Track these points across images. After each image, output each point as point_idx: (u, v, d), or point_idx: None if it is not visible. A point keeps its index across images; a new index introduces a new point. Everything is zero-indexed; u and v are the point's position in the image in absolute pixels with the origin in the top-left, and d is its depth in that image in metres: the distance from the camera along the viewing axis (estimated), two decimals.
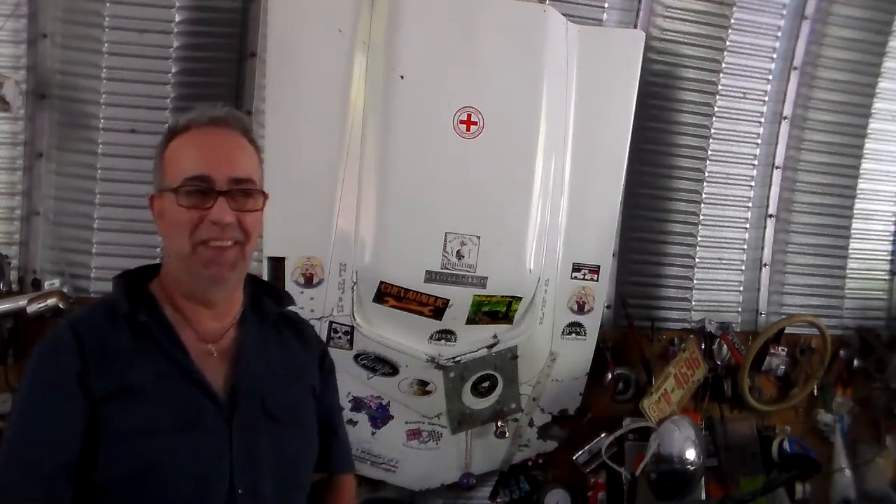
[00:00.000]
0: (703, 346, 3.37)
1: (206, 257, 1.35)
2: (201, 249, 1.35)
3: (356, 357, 2.74)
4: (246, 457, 1.34)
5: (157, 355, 1.34)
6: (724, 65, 3.45)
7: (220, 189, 1.34)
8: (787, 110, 3.59)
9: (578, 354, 3.07)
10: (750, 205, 3.61)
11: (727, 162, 3.55)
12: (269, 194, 1.44)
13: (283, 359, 1.52)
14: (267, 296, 1.53)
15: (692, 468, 2.69)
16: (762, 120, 3.56)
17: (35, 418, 1.26)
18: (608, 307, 3.37)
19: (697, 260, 3.56)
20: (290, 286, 2.67)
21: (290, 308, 1.63)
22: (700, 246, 3.55)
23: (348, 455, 1.70)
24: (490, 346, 2.77)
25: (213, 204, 1.34)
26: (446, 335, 2.72)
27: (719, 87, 3.47)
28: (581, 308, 3.00)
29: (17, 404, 1.30)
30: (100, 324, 1.35)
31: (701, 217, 3.53)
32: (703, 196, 3.53)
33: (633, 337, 3.34)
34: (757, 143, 3.58)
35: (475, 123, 2.60)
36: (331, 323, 2.70)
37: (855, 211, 3.73)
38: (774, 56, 3.52)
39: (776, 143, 3.60)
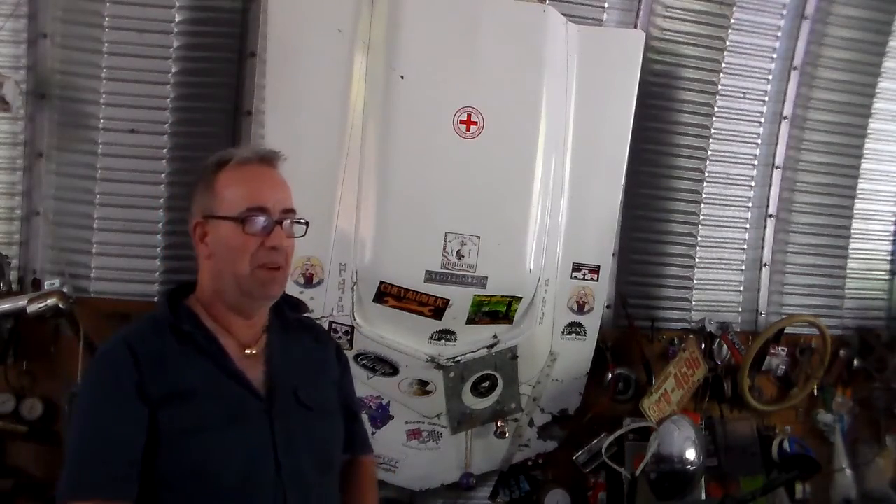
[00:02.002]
0: (703, 346, 3.37)
1: (264, 278, 1.54)
2: (259, 271, 1.53)
3: (356, 357, 2.74)
4: (286, 441, 1.52)
5: (203, 360, 1.51)
6: (724, 65, 3.46)
7: (276, 219, 1.55)
8: (787, 110, 3.59)
9: (578, 354, 3.07)
10: (750, 205, 3.61)
11: (727, 162, 3.55)
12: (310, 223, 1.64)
13: (306, 357, 1.71)
14: (286, 305, 1.72)
15: (692, 468, 2.68)
16: (762, 120, 3.56)
17: (102, 424, 1.41)
18: (608, 307, 3.37)
19: (697, 260, 3.56)
20: (290, 286, 2.66)
21: (306, 314, 1.83)
22: (700, 246, 3.55)
23: (367, 438, 1.91)
24: (490, 346, 2.77)
25: (272, 231, 1.54)
26: (446, 335, 2.72)
27: (719, 87, 3.47)
28: (581, 308, 3.00)
29: (81, 413, 1.45)
30: (148, 337, 1.50)
31: (701, 217, 3.53)
32: (703, 196, 3.53)
33: (633, 337, 3.34)
34: (757, 143, 3.58)
35: (475, 123, 2.60)
36: (331, 323, 2.70)
37: (855, 211, 3.72)
38: (774, 56, 3.52)
39: (776, 143, 3.61)
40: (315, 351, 1.76)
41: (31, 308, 2.62)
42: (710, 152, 3.51)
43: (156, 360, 1.46)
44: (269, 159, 1.62)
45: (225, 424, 1.46)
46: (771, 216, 3.64)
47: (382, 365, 2.75)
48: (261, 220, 1.53)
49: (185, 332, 1.51)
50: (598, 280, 3.00)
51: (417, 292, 2.59)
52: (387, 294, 2.60)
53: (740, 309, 3.64)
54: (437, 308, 2.63)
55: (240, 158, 1.59)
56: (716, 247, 3.58)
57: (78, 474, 1.38)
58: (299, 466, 1.53)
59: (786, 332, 3.50)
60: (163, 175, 2.97)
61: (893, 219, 3.82)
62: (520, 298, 2.74)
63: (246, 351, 1.58)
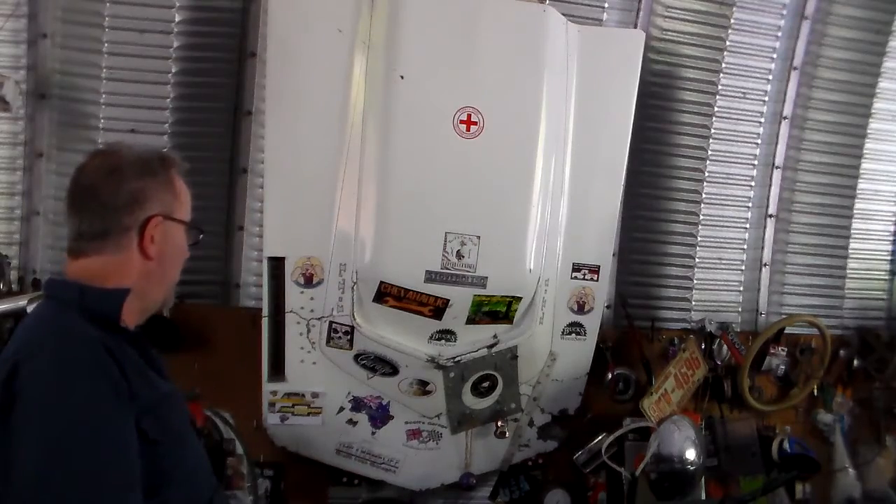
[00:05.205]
0: (703, 346, 3.37)
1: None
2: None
3: (356, 357, 2.74)
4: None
5: (149, 368, 1.40)
6: (724, 65, 3.46)
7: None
8: (787, 110, 3.59)
9: (578, 354, 3.07)
10: (750, 205, 3.62)
11: (727, 162, 3.56)
12: None
13: None
14: None
15: (692, 468, 2.69)
16: (762, 120, 3.57)
17: (118, 436, 1.24)
18: (608, 307, 3.37)
19: (697, 260, 3.56)
20: (290, 286, 2.68)
21: None
22: (700, 246, 3.56)
23: None
24: (490, 346, 2.77)
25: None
26: (446, 335, 2.72)
27: (719, 87, 3.48)
28: (581, 308, 3.00)
29: (86, 424, 1.21)
30: (114, 342, 1.32)
31: (701, 217, 3.54)
32: (703, 196, 3.54)
33: (633, 337, 3.34)
34: (757, 143, 3.59)
35: (475, 123, 2.60)
36: (331, 323, 2.70)
37: (855, 211, 3.73)
38: (774, 56, 3.53)
39: (776, 143, 3.61)
40: None
41: (31, 308, 2.62)
42: (710, 152, 3.52)
43: (132, 366, 1.31)
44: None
45: (193, 434, 1.47)
46: (771, 216, 3.65)
47: (382, 365, 2.75)
48: (200, 236, 1.50)
49: (133, 333, 1.41)
50: (598, 280, 2.99)
51: (417, 292, 2.59)
52: (387, 294, 2.60)
53: (740, 309, 3.65)
54: (437, 308, 2.62)
55: (180, 165, 1.49)
56: (716, 247, 3.59)
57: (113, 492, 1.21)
58: None
59: (786, 332, 3.50)
60: None
61: (893, 219, 3.82)
62: (520, 298, 2.73)
63: None
